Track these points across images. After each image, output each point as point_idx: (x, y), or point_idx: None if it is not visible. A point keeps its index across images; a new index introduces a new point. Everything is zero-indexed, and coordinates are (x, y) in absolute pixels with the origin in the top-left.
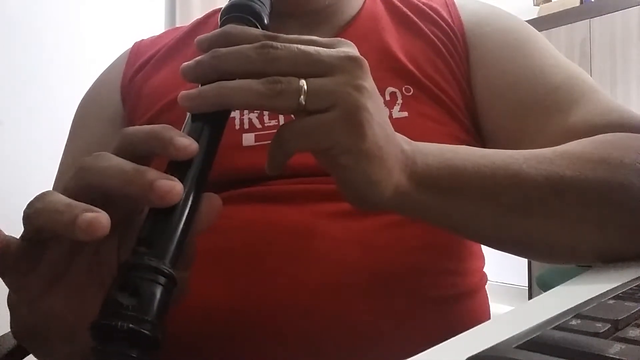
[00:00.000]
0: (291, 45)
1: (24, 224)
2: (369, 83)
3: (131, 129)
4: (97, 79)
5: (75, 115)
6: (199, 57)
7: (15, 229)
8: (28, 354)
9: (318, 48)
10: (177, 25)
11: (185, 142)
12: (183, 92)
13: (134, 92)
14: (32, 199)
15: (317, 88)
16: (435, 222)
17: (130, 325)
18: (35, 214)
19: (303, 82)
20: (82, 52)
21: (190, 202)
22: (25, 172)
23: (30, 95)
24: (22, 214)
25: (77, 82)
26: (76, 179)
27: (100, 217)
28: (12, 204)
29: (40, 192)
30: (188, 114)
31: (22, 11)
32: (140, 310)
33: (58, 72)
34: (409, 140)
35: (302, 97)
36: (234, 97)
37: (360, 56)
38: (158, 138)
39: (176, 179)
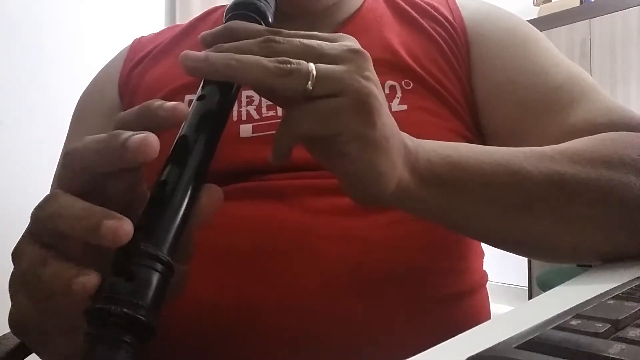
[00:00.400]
0: (294, 39)
1: (37, 226)
2: (374, 75)
3: (124, 112)
4: (96, 75)
5: (74, 110)
6: (203, 52)
7: (15, 229)
8: (29, 354)
9: (320, 42)
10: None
11: (173, 104)
12: (187, 51)
13: (131, 86)
14: (41, 199)
15: (326, 74)
16: (435, 219)
17: (125, 309)
18: (51, 217)
19: (312, 67)
20: (82, 52)
21: (189, 192)
22: (25, 172)
23: (30, 95)
24: (20, 212)
25: (77, 82)
26: (64, 167)
27: (125, 224)
28: (12, 204)
29: (48, 193)
30: (189, 109)
31: (22, 11)
32: (136, 295)
33: (58, 72)
34: (411, 136)
35: (310, 82)
36: (241, 70)
37: (363, 49)
38: (147, 109)
39: (150, 133)
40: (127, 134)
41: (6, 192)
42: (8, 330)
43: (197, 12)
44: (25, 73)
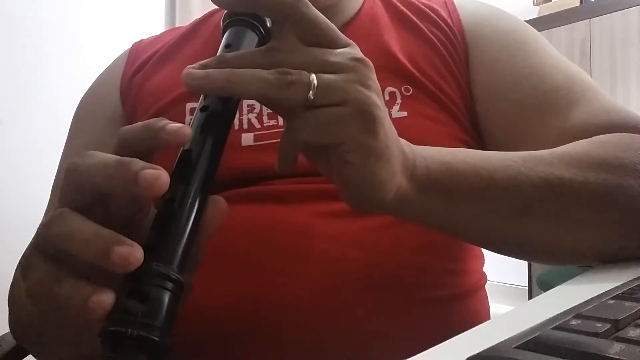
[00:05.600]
0: (297, 47)
1: (45, 243)
2: (376, 84)
3: (127, 127)
4: (97, 79)
5: (74, 115)
6: (205, 61)
7: (15, 229)
8: (28, 354)
9: (324, 50)
10: (177, 25)
11: (177, 126)
12: (188, 70)
13: (133, 92)
14: (48, 217)
15: (327, 83)
16: (434, 226)
17: (140, 332)
18: (59, 238)
19: (313, 77)
20: (82, 52)
21: (196, 207)
22: (25, 172)
23: (30, 95)
24: (20, 212)
25: (77, 82)
26: (67, 182)
27: (135, 251)
28: (12, 204)
29: (55, 211)
30: (192, 118)
31: (22, 11)
32: (149, 316)
33: (58, 71)
34: (408, 143)
35: (311, 92)
36: (242, 84)
37: (365, 57)
38: (150, 128)
39: (161, 168)
40: (139, 164)
41: (6, 192)
42: (8, 330)
43: (197, 12)
44: (25, 73)
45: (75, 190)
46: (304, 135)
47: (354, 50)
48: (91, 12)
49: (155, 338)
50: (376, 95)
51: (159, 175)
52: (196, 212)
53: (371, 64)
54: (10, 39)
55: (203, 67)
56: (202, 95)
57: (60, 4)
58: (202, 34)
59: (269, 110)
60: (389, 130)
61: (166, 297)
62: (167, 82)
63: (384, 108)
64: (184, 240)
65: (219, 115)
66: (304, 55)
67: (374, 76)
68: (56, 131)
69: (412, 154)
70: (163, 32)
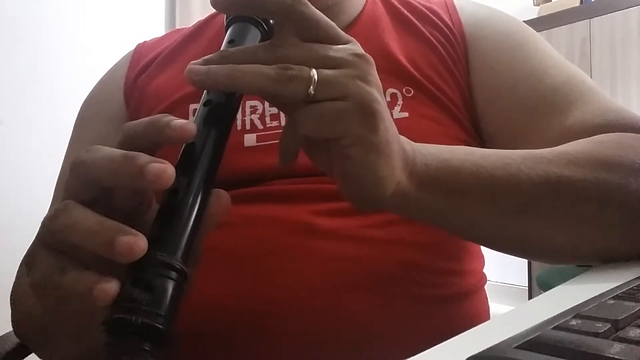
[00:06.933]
0: (298, 42)
1: (49, 236)
2: (377, 79)
3: (132, 122)
4: (100, 80)
5: (78, 115)
6: (208, 57)
7: (15, 229)
8: (29, 354)
9: (325, 45)
10: (177, 26)
11: (182, 122)
12: (191, 66)
13: (137, 93)
14: (53, 210)
15: (327, 78)
16: (434, 223)
17: (144, 319)
18: (64, 230)
19: (314, 72)
20: (82, 52)
21: (199, 199)
22: (25, 172)
23: (31, 95)
24: (21, 212)
25: (78, 82)
26: (72, 176)
27: (139, 240)
28: (12, 204)
29: (60, 203)
30: (194, 115)
31: (22, 11)
32: (153, 304)
33: (59, 72)
34: (408, 140)
35: (311, 86)
36: (244, 79)
37: (366, 54)
38: (155, 125)
39: (167, 162)
40: (145, 158)
41: (6, 192)
42: (8, 330)
43: (197, 13)
44: (25, 73)
45: (81, 184)
46: (305, 129)
47: (355, 47)
48: (91, 12)
49: (159, 326)
50: (376, 91)
51: (165, 169)
52: (199, 204)
53: (372, 59)
54: (10, 39)
55: (206, 62)
56: (205, 90)
57: (60, 4)
58: (206, 36)
59: (272, 111)
60: (389, 125)
61: (170, 287)
62: (171, 83)
63: (384, 103)
64: (188, 231)
65: (222, 109)
66: (304, 51)
67: (375, 72)
68: (56, 131)
69: (412, 151)
70: (166, 34)
